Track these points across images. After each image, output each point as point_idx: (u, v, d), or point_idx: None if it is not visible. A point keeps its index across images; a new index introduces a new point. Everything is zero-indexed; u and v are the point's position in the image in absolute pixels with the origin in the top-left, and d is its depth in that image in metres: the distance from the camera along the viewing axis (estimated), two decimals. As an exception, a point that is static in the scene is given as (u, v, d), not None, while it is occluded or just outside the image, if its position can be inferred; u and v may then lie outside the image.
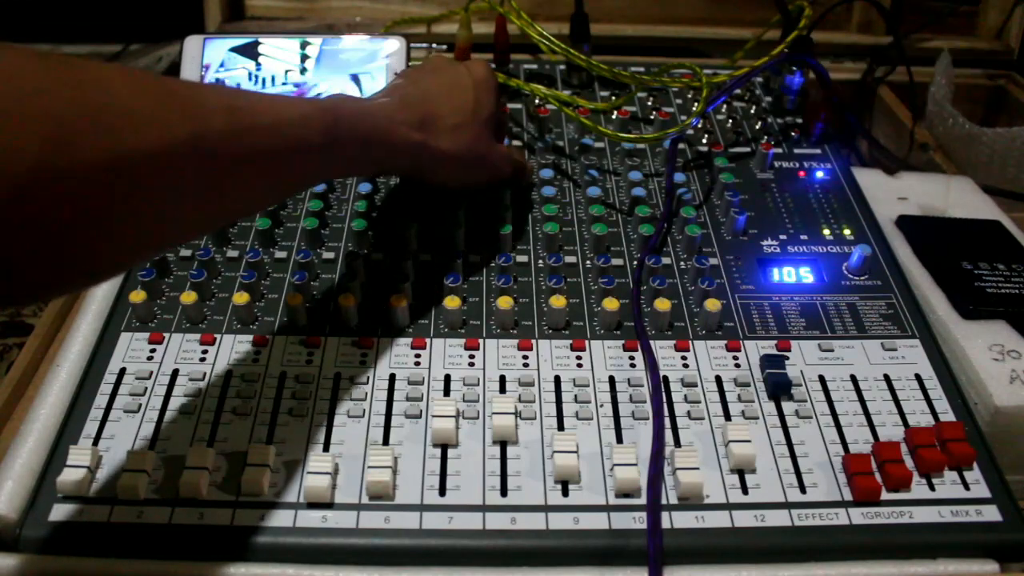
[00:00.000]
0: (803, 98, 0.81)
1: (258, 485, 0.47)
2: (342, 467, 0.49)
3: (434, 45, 0.90)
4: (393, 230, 0.65)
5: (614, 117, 0.78)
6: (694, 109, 0.73)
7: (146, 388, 0.53)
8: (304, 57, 0.75)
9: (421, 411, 0.52)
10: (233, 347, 0.56)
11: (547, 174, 0.70)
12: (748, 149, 0.76)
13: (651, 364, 0.54)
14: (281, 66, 0.75)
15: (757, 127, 0.79)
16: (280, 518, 0.47)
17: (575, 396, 0.54)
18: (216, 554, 0.46)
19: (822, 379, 0.56)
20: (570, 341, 0.57)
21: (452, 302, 0.58)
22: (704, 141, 0.76)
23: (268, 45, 0.76)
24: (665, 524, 0.47)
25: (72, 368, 0.55)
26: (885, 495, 0.49)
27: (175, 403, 0.53)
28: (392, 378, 0.54)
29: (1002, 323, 0.58)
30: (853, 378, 0.56)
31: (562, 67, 0.86)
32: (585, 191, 0.69)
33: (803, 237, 0.66)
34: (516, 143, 0.75)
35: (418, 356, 0.56)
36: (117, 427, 0.51)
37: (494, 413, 0.51)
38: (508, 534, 0.47)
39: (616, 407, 0.53)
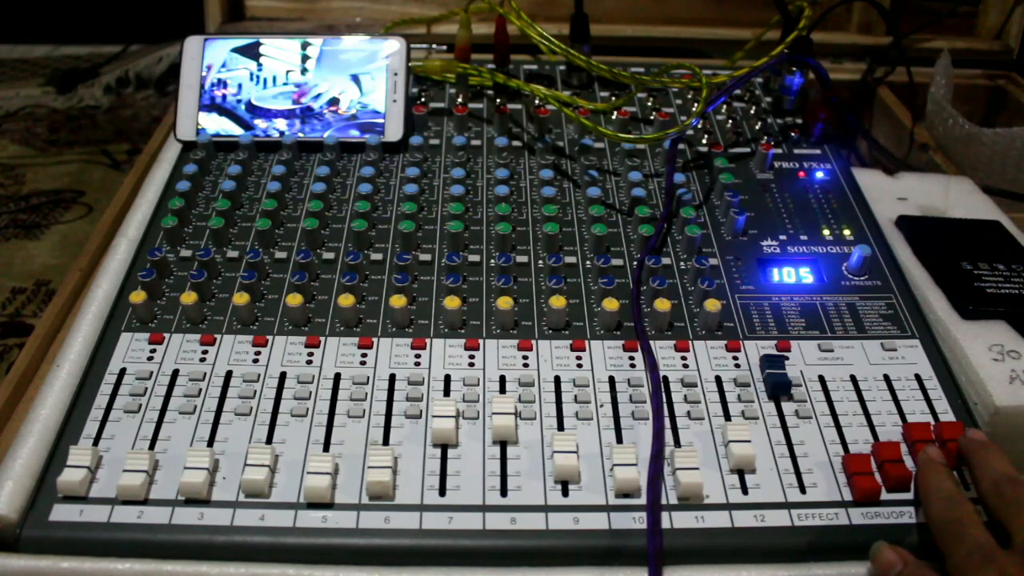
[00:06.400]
0: (803, 98, 0.81)
1: (258, 485, 0.47)
2: (342, 467, 0.49)
3: (434, 45, 0.90)
4: (392, 230, 0.65)
5: (614, 117, 0.78)
6: (694, 109, 0.73)
7: (146, 388, 0.53)
8: (305, 58, 0.75)
9: (421, 411, 0.52)
10: (233, 347, 0.56)
11: (547, 174, 0.70)
12: (748, 149, 0.76)
13: (651, 364, 0.54)
14: (282, 66, 0.75)
15: (757, 127, 0.79)
16: (280, 518, 0.47)
17: (575, 396, 0.54)
18: (216, 554, 0.46)
19: (822, 379, 0.56)
20: (570, 341, 0.57)
21: (452, 302, 0.58)
22: (704, 141, 0.76)
23: (269, 45, 0.76)
24: (665, 524, 0.47)
25: (72, 368, 0.55)
26: (885, 495, 0.49)
27: (175, 403, 0.53)
28: (392, 378, 0.55)
29: (1002, 323, 0.58)
30: (853, 378, 0.56)
31: (562, 68, 0.86)
32: (585, 191, 0.69)
33: (803, 237, 0.66)
34: (516, 143, 0.76)
35: (418, 356, 0.56)
36: (117, 427, 0.51)
37: (494, 413, 0.51)
38: (508, 534, 0.47)
39: (616, 407, 0.53)
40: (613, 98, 0.82)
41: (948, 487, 0.46)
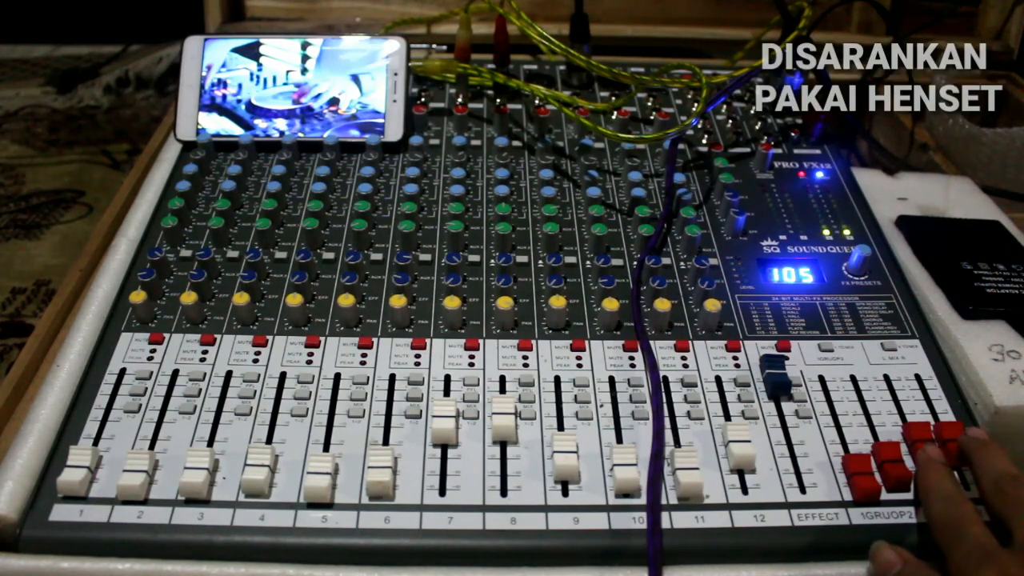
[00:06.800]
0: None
1: (258, 485, 0.47)
2: (342, 467, 0.49)
3: (434, 45, 0.90)
4: (392, 230, 0.65)
5: (614, 117, 0.78)
6: (694, 109, 0.73)
7: (146, 388, 0.53)
8: (305, 57, 0.75)
9: (421, 411, 0.52)
10: (233, 347, 0.56)
11: (547, 174, 0.70)
12: (748, 149, 0.76)
13: (651, 364, 0.54)
14: (282, 66, 0.75)
15: (757, 127, 0.79)
16: (280, 518, 0.47)
17: (575, 396, 0.54)
18: (216, 554, 0.46)
19: (822, 379, 0.56)
20: (570, 341, 0.57)
21: (452, 302, 0.58)
22: (704, 141, 0.76)
23: (269, 45, 0.76)
24: (665, 524, 0.47)
25: (72, 368, 0.55)
26: (885, 495, 0.49)
27: (175, 403, 0.53)
28: (392, 378, 0.54)
29: (1002, 323, 0.58)
30: (853, 378, 0.56)
31: (562, 68, 0.86)
32: (585, 191, 0.69)
33: (803, 237, 0.66)
34: (516, 143, 0.76)
35: (418, 356, 0.56)
36: (117, 427, 0.51)
37: (494, 413, 0.51)
38: (508, 534, 0.47)
39: (616, 407, 0.53)
40: (613, 98, 0.82)
41: (948, 486, 0.46)
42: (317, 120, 0.74)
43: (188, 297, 0.57)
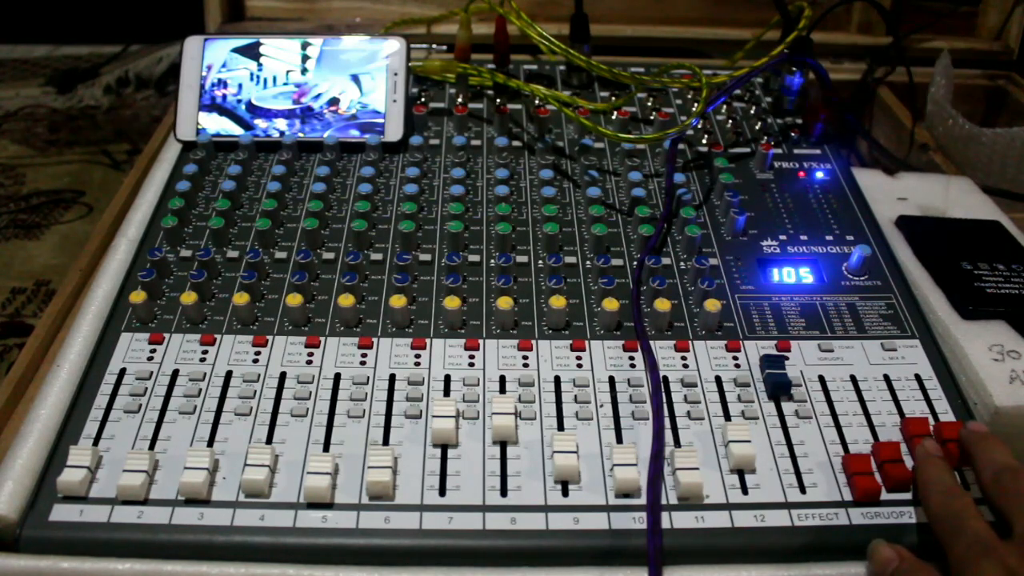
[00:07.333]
0: (803, 98, 0.81)
1: (258, 485, 0.47)
2: (342, 467, 0.49)
3: (434, 46, 0.90)
4: (392, 230, 0.65)
5: (614, 117, 0.78)
6: (694, 109, 0.73)
7: (146, 388, 0.53)
8: (305, 57, 0.75)
9: (421, 411, 0.52)
10: (233, 347, 0.56)
11: (547, 174, 0.70)
12: (748, 149, 0.76)
13: (651, 364, 0.54)
14: (282, 66, 0.75)
15: (757, 127, 0.79)
16: (280, 518, 0.47)
17: (575, 396, 0.54)
18: (216, 554, 0.46)
19: (822, 379, 0.56)
20: (570, 341, 0.57)
21: (452, 302, 0.58)
22: (704, 141, 0.76)
23: (269, 45, 0.76)
24: (665, 524, 0.47)
25: (72, 368, 0.55)
26: (885, 495, 0.49)
27: (175, 403, 0.53)
28: (392, 378, 0.55)
29: (1002, 323, 0.58)
30: (853, 378, 0.56)
31: (562, 68, 0.87)
32: (585, 191, 0.69)
33: (803, 237, 0.66)
34: (516, 143, 0.76)
35: (418, 356, 0.56)
36: (117, 427, 0.51)
37: (494, 413, 0.51)
38: (508, 534, 0.47)
39: (616, 407, 0.53)
40: (613, 98, 0.82)
41: (947, 480, 0.46)
42: (317, 120, 0.74)
43: (188, 297, 0.57)
